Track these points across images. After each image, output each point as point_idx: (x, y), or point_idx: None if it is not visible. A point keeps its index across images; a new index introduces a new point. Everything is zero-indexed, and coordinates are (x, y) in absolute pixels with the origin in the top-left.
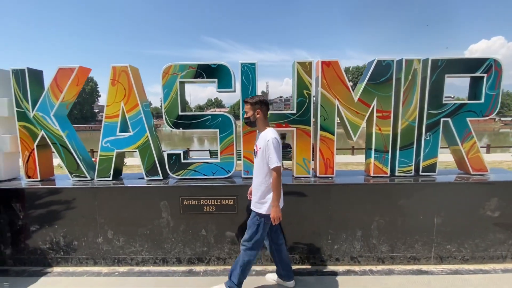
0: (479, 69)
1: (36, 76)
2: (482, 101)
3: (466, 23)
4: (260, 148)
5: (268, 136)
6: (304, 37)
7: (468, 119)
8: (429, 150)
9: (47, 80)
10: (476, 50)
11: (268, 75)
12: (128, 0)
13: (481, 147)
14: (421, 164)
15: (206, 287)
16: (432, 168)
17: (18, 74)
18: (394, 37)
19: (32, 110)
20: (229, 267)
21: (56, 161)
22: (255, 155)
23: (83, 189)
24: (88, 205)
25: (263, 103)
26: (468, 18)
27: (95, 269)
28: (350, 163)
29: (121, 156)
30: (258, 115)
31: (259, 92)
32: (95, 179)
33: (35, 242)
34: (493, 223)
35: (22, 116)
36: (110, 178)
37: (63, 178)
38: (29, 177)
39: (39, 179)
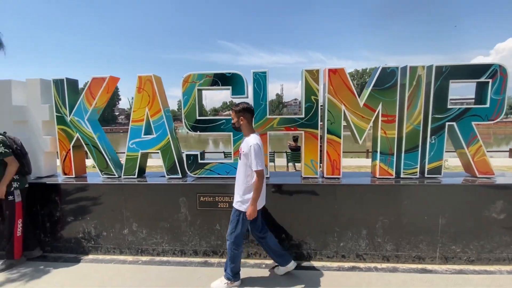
0: (484, 74)
1: (73, 84)
2: (487, 105)
3: (493, 21)
4: (243, 151)
5: (250, 142)
6: (319, 39)
7: (473, 123)
8: (434, 153)
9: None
10: (503, 48)
11: (282, 77)
12: (144, 7)
13: (503, 151)
14: (427, 166)
15: (219, 277)
16: (437, 170)
17: (58, 83)
18: (415, 37)
19: (69, 115)
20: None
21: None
22: (240, 157)
23: (111, 186)
24: (115, 200)
25: (247, 111)
26: (495, 16)
27: (121, 257)
28: (364, 166)
29: (145, 156)
30: (242, 122)
31: (273, 95)
32: (122, 176)
33: (70, 231)
34: (499, 226)
35: (61, 120)
36: (135, 176)
37: (94, 175)
38: (65, 174)
39: (73, 176)
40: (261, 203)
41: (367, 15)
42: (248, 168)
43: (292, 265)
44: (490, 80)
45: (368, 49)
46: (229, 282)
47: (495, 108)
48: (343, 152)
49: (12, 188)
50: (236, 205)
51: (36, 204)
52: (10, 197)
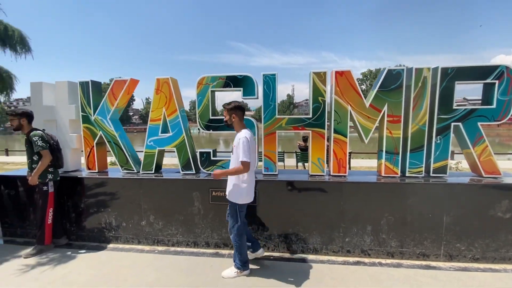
0: (490, 76)
1: (97, 86)
2: (494, 106)
3: None
4: (234, 146)
5: (240, 136)
6: (332, 39)
7: (479, 123)
8: (439, 152)
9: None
10: None
11: (294, 78)
12: (155, 11)
13: None
14: (432, 166)
15: (230, 266)
16: (443, 169)
17: (84, 85)
18: (433, 36)
19: (93, 114)
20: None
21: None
22: (232, 152)
23: (131, 180)
24: (134, 193)
25: (238, 108)
26: None
27: (139, 247)
28: (375, 167)
29: (161, 153)
30: (233, 119)
31: (284, 96)
32: (141, 171)
33: (93, 222)
34: (505, 225)
35: (86, 119)
36: (153, 171)
37: (115, 170)
38: (89, 168)
39: (96, 170)
40: (249, 199)
41: (383, 14)
42: (239, 161)
43: (261, 252)
44: (497, 81)
45: (383, 49)
46: (238, 271)
47: (501, 109)
48: (355, 153)
49: (47, 179)
50: (232, 198)
51: (63, 195)
52: (45, 188)
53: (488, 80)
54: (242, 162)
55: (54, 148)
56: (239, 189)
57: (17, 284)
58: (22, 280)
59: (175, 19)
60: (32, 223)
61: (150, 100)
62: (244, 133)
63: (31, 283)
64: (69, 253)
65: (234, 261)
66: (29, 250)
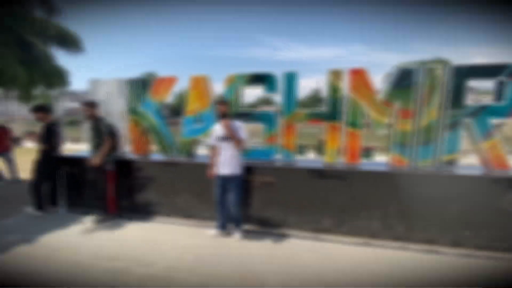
0: (502, 74)
1: (143, 82)
2: (505, 103)
3: None
4: (233, 131)
5: (239, 123)
6: (363, 30)
7: (490, 119)
8: (449, 146)
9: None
10: None
11: (321, 71)
12: (184, 8)
13: None
14: (442, 158)
15: (250, 238)
16: (452, 162)
17: (132, 82)
18: (482, 27)
19: (139, 107)
20: (266, 229)
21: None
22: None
23: (169, 163)
24: (172, 175)
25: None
26: None
27: (175, 219)
28: None
29: (195, 141)
30: (227, 111)
31: (307, 92)
32: (177, 156)
33: (137, 197)
34: (510, 217)
35: (133, 111)
36: (187, 156)
37: (156, 155)
38: (134, 153)
39: (141, 155)
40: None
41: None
42: (243, 139)
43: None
44: (509, 79)
45: (421, 40)
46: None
47: None
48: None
49: (109, 160)
50: (234, 171)
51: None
52: (108, 167)
53: (499, 78)
54: (245, 142)
55: (114, 135)
56: (239, 162)
57: (83, 240)
58: (86, 239)
59: (204, 16)
60: (89, 196)
61: (177, 94)
62: (239, 122)
63: (93, 241)
64: (119, 222)
65: (238, 226)
66: (100, 217)
